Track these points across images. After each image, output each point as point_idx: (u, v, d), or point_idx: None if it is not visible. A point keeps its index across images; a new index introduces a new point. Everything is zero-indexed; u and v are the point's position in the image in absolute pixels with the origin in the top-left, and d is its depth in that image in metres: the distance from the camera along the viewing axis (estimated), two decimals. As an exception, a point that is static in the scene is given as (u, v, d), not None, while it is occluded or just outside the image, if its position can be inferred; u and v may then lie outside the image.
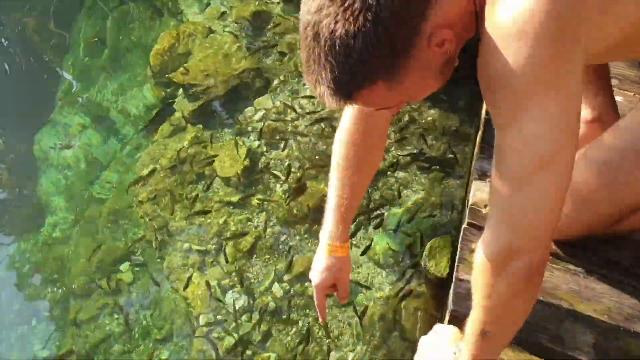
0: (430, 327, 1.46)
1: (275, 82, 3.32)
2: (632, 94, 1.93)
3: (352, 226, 2.39)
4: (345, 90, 0.98)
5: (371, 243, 2.58)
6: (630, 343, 1.40)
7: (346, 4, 0.89)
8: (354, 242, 2.62)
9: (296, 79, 3.27)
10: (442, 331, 1.42)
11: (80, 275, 2.94)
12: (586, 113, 1.61)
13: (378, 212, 2.74)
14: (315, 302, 1.53)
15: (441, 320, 1.54)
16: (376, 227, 2.65)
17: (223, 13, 3.54)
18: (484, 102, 1.96)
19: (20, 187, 3.56)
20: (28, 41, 4.06)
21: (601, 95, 1.62)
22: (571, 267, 1.56)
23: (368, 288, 2.51)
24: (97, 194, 3.24)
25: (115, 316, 2.77)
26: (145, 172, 3.06)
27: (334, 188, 1.44)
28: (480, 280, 1.11)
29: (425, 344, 1.42)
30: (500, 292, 1.08)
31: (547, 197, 0.99)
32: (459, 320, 1.43)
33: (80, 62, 3.87)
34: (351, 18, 0.89)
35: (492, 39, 0.93)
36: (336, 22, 0.90)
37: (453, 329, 1.40)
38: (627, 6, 1.02)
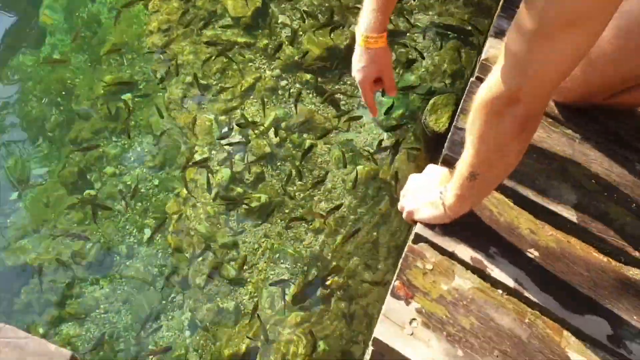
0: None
1: None
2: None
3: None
4: None
5: (393, 104, 2.56)
6: (610, 207, 1.44)
7: None
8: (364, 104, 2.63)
9: None
10: (433, 171, 1.45)
11: (83, 100, 2.94)
12: None
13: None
14: (363, 99, 1.54)
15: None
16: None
17: None
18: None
19: (25, 7, 3.47)
20: None
21: None
22: (569, 131, 1.57)
23: (365, 150, 2.53)
24: (102, 17, 3.18)
25: (114, 139, 2.80)
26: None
27: None
28: (477, 121, 1.11)
29: (414, 181, 1.46)
30: (495, 135, 1.10)
31: (568, 54, 0.97)
32: (450, 165, 1.46)
33: None
34: None
35: None
36: None
37: (444, 170, 1.43)
38: None
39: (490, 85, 1.06)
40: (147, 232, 2.57)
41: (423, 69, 2.72)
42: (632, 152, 1.53)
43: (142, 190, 2.66)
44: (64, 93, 3.03)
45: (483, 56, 1.70)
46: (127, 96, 2.90)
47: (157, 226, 2.53)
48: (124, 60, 3.00)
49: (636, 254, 1.38)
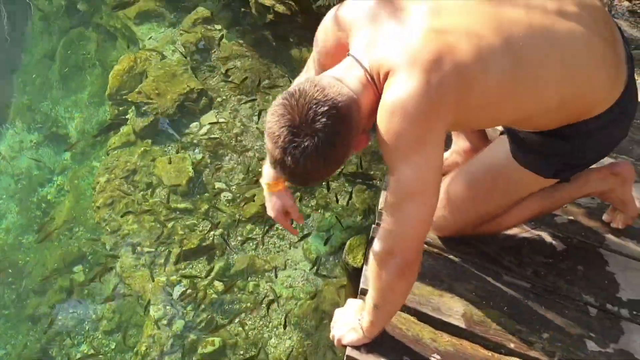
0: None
1: (219, 100, 3.72)
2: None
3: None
4: (301, 185, 1.44)
5: (309, 233, 3.09)
6: (488, 312, 1.88)
7: (306, 152, 1.30)
8: (295, 244, 3.10)
9: (236, 98, 3.68)
10: (351, 303, 1.87)
11: (37, 277, 3.20)
12: (464, 144, 2.13)
13: (313, 215, 3.18)
14: (283, 227, 2.04)
15: (355, 296, 1.98)
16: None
17: (174, 40, 3.95)
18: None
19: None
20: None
21: (475, 132, 2.11)
22: (451, 256, 2.04)
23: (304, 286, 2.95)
24: (51, 198, 3.53)
25: (70, 311, 3.06)
26: (102, 180, 3.39)
27: None
28: (371, 269, 1.58)
29: (338, 313, 1.87)
30: (383, 279, 1.55)
31: (416, 218, 1.45)
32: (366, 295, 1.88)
33: (33, 79, 4.15)
34: (309, 162, 1.32)
35: (385, 113, 1.35)
36: (298, 163, 1.31)
37: (359, 302, 1.85)
38: (483, 94, 1.43)
39: (375, 246, 1.53)
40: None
41: (340, 208, 3.22)
42: (498, 267, 2.01)
43: (100, 356, 2.90)
44: (17, 274, 3.28)
45: (380, 206, 2.19)
46: (78, 268, 3.21)
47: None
48: (72, 235, 3.34)
49: (511, 345, 1.81)
